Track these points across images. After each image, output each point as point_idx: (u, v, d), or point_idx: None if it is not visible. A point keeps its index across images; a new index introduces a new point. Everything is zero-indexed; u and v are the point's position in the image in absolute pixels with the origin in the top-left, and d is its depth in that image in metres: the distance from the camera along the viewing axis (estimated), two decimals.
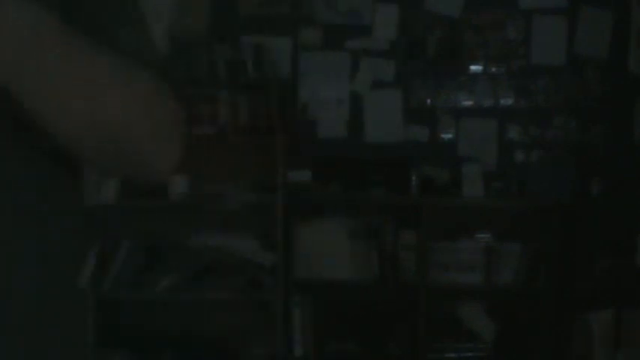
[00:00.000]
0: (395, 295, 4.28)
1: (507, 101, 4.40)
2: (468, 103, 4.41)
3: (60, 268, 0.85)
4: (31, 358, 0.82)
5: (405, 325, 4.22)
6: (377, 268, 4.20)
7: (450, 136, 4.41)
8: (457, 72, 4.40)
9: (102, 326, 4.06)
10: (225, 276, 4.13)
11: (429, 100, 4.41)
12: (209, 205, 4.18)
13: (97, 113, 0.79)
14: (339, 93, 4.41)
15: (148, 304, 4.24)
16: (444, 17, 4.38)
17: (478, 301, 4.29)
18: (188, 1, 4.40)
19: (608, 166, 4.31)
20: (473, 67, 4.41)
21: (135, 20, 0.90)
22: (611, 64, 4.33)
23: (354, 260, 4.20)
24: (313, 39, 4.40)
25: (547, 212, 4.19)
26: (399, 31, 4.39)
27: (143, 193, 4.09)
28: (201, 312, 4.31)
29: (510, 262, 4.22)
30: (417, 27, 4.40)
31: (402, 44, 4.40)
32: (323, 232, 4.20)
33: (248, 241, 4.21)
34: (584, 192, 4.29)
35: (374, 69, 4.40)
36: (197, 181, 4.24)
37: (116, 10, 0.89)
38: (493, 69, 4.40)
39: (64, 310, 0.87)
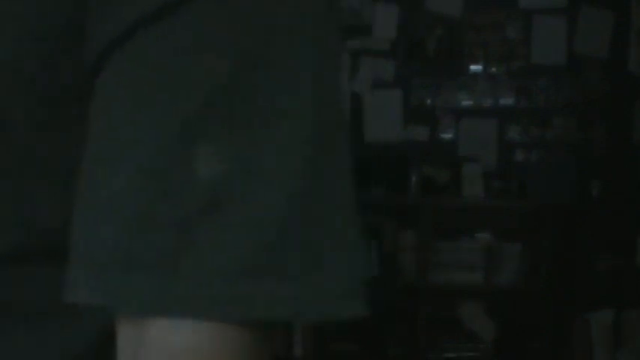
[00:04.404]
0: (395, 295, 4.28)
1: (507, 101, 4.41)
2: (468, 103, 4.41)
3: None
4: None
5: (405, 325, 4.22)
6: (377, 268, 4.20)
7: (450, 136, 4.42)
8: (457, 72, 4.40)
9: None
10: None
11: (429, 100, 4.42)
12: None
13: None
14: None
15: None
16: (444, 17, 4.38)
17: (478, 301, 4.29)
18: None
19: (608, 166, 4.31)
20: (473, 67, 4.41)
21: None
22: (611, 64, 4.33)
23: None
24: None
25: (547, 212, 4.19)
26: (399, 31, 4.39)
27: None
28: None
29: (510, 262, 4.22)
30: (417, 27, 4.40)
31: (402, 44, 4.40)
32: None
33: None
34: (584, 192, 4.29)
35: (374, 69, 4.40)
36: None
37: None
38: (493, 69, 4.40)
39: None
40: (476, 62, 4.40)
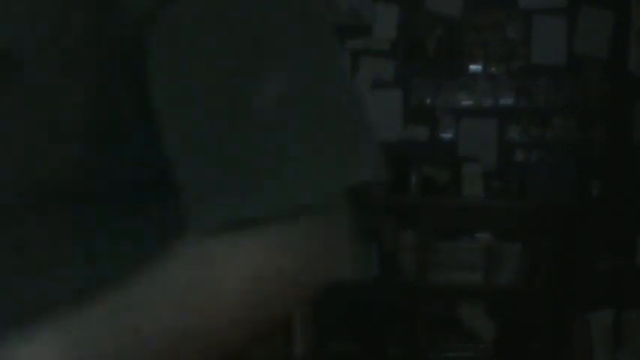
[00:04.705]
0: (395, 295, 4.28)
1: (507, 101, 4.40)
2: (468, 103, 4.41)
3: None
4: None
5: (405, 325, 4.22)
6: (377, 268, 4.20)
7: (450, 136, 4.41)
8: (457, 72, 4.40)
9: None
10: None
11: (429, 100, 4.42)
12: None
13: None
14: None
15: None
16: (444, 17, 4.38)
17: (478, 301, 4.29)
18: None
19: (608, 166, 4.31)
20: (473, 67, 4.41)
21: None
22: (611, 64, 4.33)
23: (354, 260, 4.19)
24: None
25: (547, 212, 4.19)
26: (399, 31, 4.39)
27: None
28: None
29: (510, 262, 4.22)
30: (417, 27, 4.40)
31: (402, 44, 4.40)
32: None
33: None
34: (584, 192, 4.29)
35: (374, 69, 4.40)
36: None
37: None
38: (493, 69, 4.40)
39: None
40: (476, 62, 4.40)
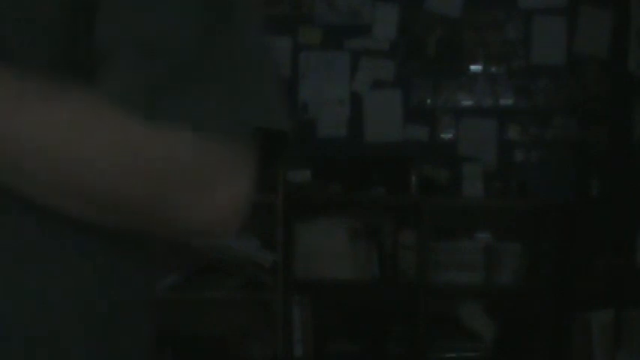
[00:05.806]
0: (395, 295, 4.28)
1: (507, 101, 4.41)
2: (468, 103, 4.42)
3: None
4: None
5: (405, 325, 4.22)
6: (377, 268, 4.21)
7: (450, 136, 4.42)
8: (457, 72, 4.40)
9: None
10: (225, 276, 4.13)
11: (429, 100, 4.42)
12: None
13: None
14: (339, 93, 4.41)
15: None
16: (444, 17, 4.38)
17: (478, 301, 4.29)
18: None
19: (608, 166, 4.31)
20: (473, 67, 4.41)
21: None
22: (611, 64, 4.33)
23: (354, 260, 4.20)
24: (313, 39, 4.40)
25: (547, 212, 4.20)
26: (399, 31, 4.40)
27: None
28: (202, 311, 4.31)
29: (510, 262, 4.22)
30: (417, 27, 4.40)
31: (402, 44, 4.40)
32: (323, 232, 4.20)
33: (248, 241, 4.21)
34: (584, 192, 4.29)
35: (374, 69, 4.40)
36: None
37: None
38: (493, 69, 4.40)
39: None
40: (476, 62, 4.40)
